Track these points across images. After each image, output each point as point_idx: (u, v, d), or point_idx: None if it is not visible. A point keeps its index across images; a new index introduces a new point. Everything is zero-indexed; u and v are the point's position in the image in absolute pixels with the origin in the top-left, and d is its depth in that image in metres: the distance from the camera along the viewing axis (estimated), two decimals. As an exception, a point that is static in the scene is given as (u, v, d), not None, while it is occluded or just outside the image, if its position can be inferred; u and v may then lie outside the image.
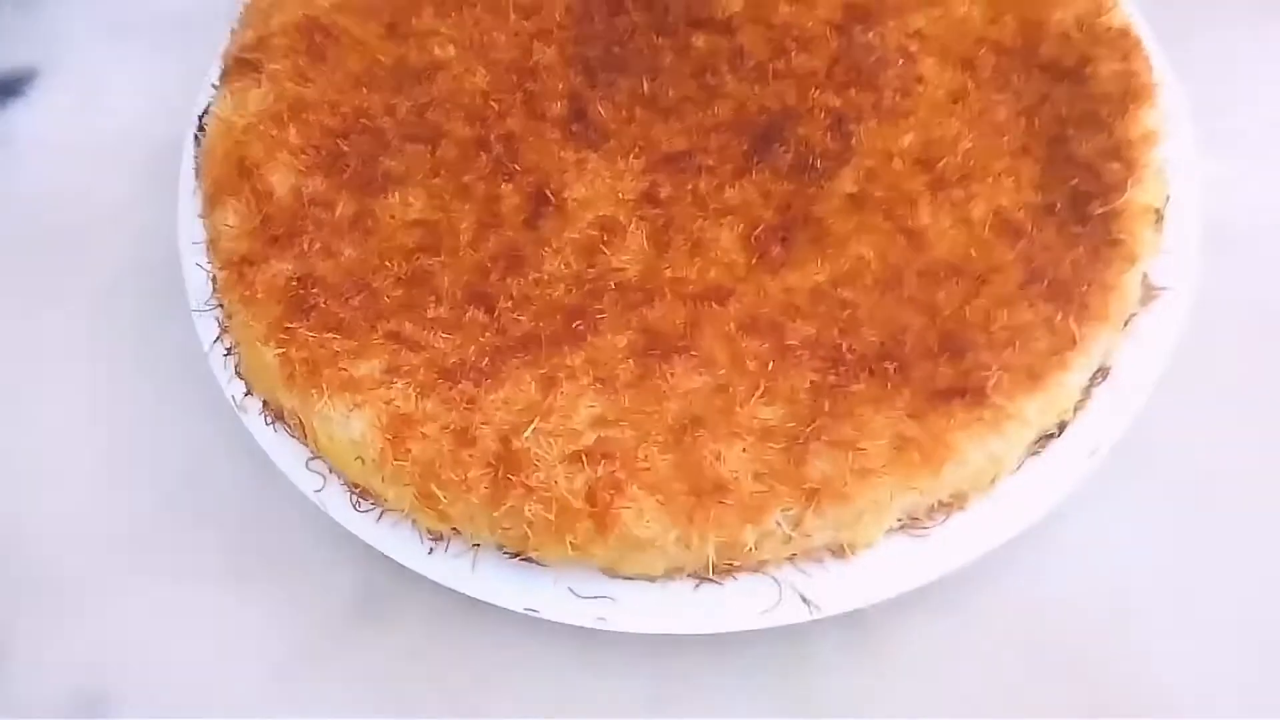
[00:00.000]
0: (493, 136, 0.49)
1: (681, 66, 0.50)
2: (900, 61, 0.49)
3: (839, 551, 0.41)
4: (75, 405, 0.49)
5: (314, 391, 0.41)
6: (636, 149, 0.49)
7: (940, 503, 0.42)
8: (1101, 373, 0.44)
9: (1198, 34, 0.56)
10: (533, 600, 0.40)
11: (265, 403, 0.44)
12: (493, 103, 0.50)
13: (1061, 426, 0.43)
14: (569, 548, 0.39)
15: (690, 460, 0.40)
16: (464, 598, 0.40)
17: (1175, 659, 0.42)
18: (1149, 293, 0.45)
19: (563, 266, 0.46)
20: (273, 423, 0.44)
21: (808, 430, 0.41)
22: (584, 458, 0.40)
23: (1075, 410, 0.44)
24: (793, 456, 0.40)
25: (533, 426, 0.40)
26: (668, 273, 0.45)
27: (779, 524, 0.39)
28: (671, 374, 0.42)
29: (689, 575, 0.41)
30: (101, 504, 0.47)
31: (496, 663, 0.42)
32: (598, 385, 0.42)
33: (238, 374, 0.45)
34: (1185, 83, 0.50)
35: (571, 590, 0.40)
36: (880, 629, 0.41)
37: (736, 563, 0.40)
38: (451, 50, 0.51)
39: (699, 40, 0.51)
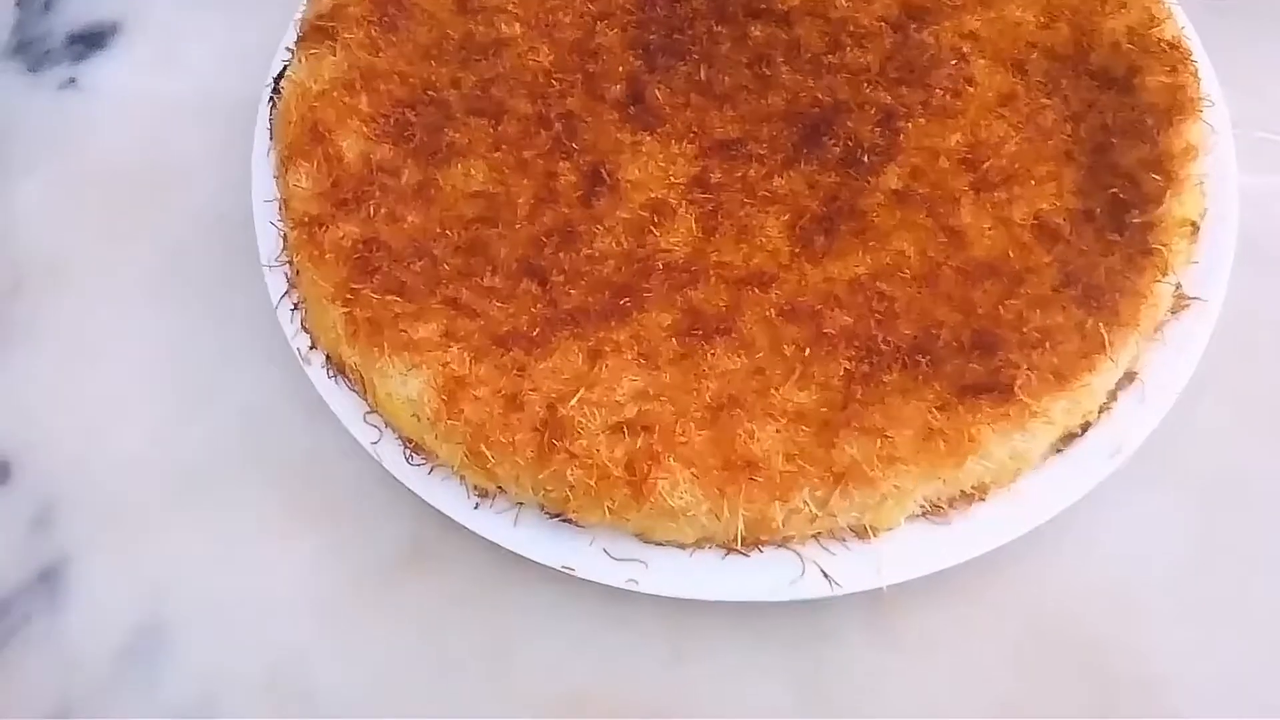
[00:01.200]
0: (553, 114, 0.51)
1: (738, 55, 0.52)
2: (953, 61, 0.51)
3: (862, 533, 0.43)
4: (149, 347, 0.52)
5: (375, 350, 0.44)
6: (690, 134, 0.50)
7: (963, 493, 0.44)
8: (1129, 377, 0.45)
9: (1248, 46, 0.56)
10: (570, 558, 0.43)
11: (328, 357, 0.47)
12: (554, 81, 0.52)
13: (1085, 426, 0.45)
14: (606, 512, 0.42)
15: (725, 437, 0.42)
16: (505, 552, 0.43)
17: (1183, 658, 0.44)
18: (1180, 302, 0.47)
19: (614, 244, 0.48)
20: (334, 376, 0.46)
21: (839, 416, 0.43)
22: (625, 429, 0.42)
23: (1101, 412, 0.45)
24: (822, 440, 0.42)
25: (578, 396, 0.43)
26: (713, 256, 0.47)
27: (806, 503, 0.41)
28: (712, 354, 0.44)
29: (718, 546, 0.44)
30: (168, 442, 0.50)
31: (532, 613, 0.45)
32: (641, 360, 0.44)
33: (303, 328, 0.48)
34: (1232, 96, 0.50)
35: (606, 551, 0.43)
36: (896, 611, 0.43)
37: (764, 537, 0.42)
38: (517, 28, 0.53)
39: (756, 30, 0.53)
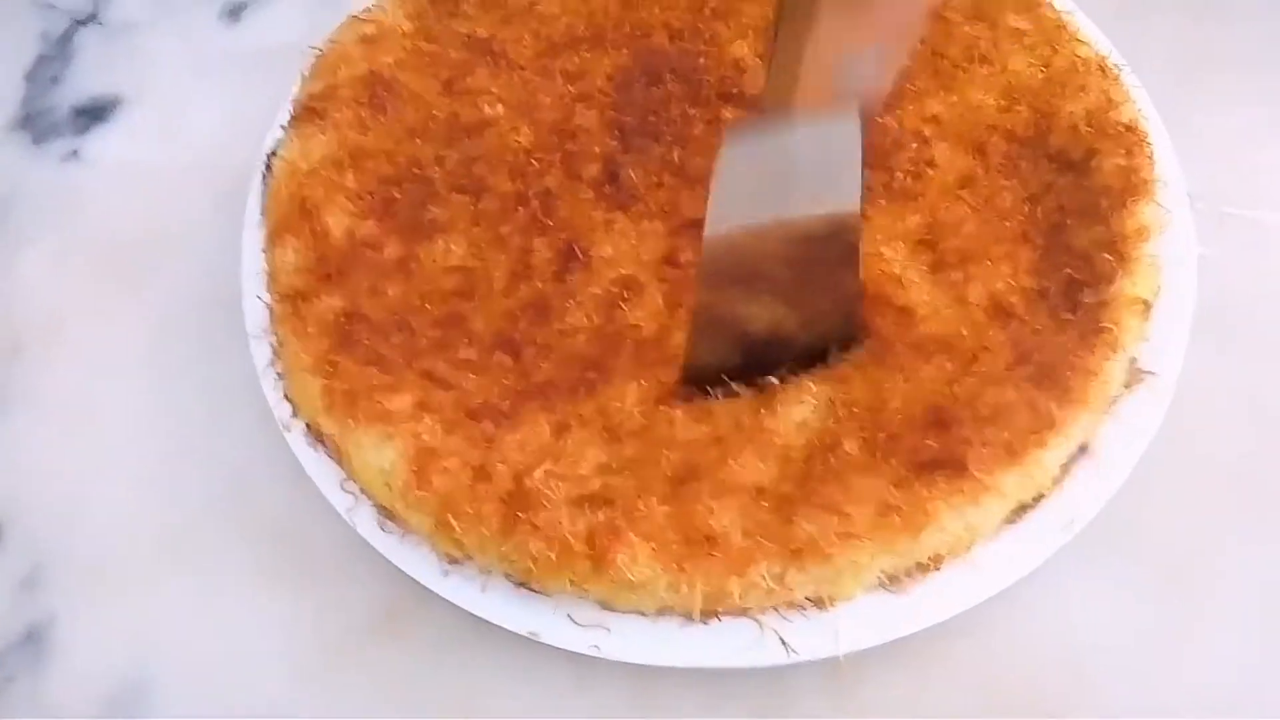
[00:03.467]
0: (531, 192, 0.53)
1: (710, 137, 0.54)
2: (914, 145, 0.53)
3: (820, 603, 0.44)
4: (138, 412, 0.54)
5: (350, 420, 0.45)
6: (662, 213, 0.52)
7: (919, 564, 0.45)
8: (1083, 449, 0.47)
9: (1215, 117, 0.58)
10: (535, 625, 0.44)
11: (308, 425, 0.48)
12: (534, 160, 0.54)
13: (1038, 498, 0.46)
14: (568, 583, 0.43)
15: (685, 512, 0.43)
16: (474, 618, 0.44)
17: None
18: (1136, 376, 0.48)
19: (584, 319, 0.50)
20: (314, 444, 0.48)
21: (798, 491, 0.44)
22: (587, 503, 0.43)
23: (1055, 484, 0.46)
24: (781, 515, 0.43)
25: (543, 468, 0.44)
26: (679, 334, 0.49)
27: (763, 577, 0.42)
28: (672, 422, 0.46)
29: (678, 615, 0.45)
30: (151, 505, 0.51)
31: (500, 677, 0.46)
32: (605, 434, 0.46)
33: (286, 397, 0.49)
34: (1198, 167, 0.52)
35: (570, 618, 0.44)
36: (854, 677, 0.44)
37: (721, 609, 0.43)
38: (500, 109, 0.56)
39: (728, 113, 0.55)
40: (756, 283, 0.44)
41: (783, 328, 0.46)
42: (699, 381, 0.46)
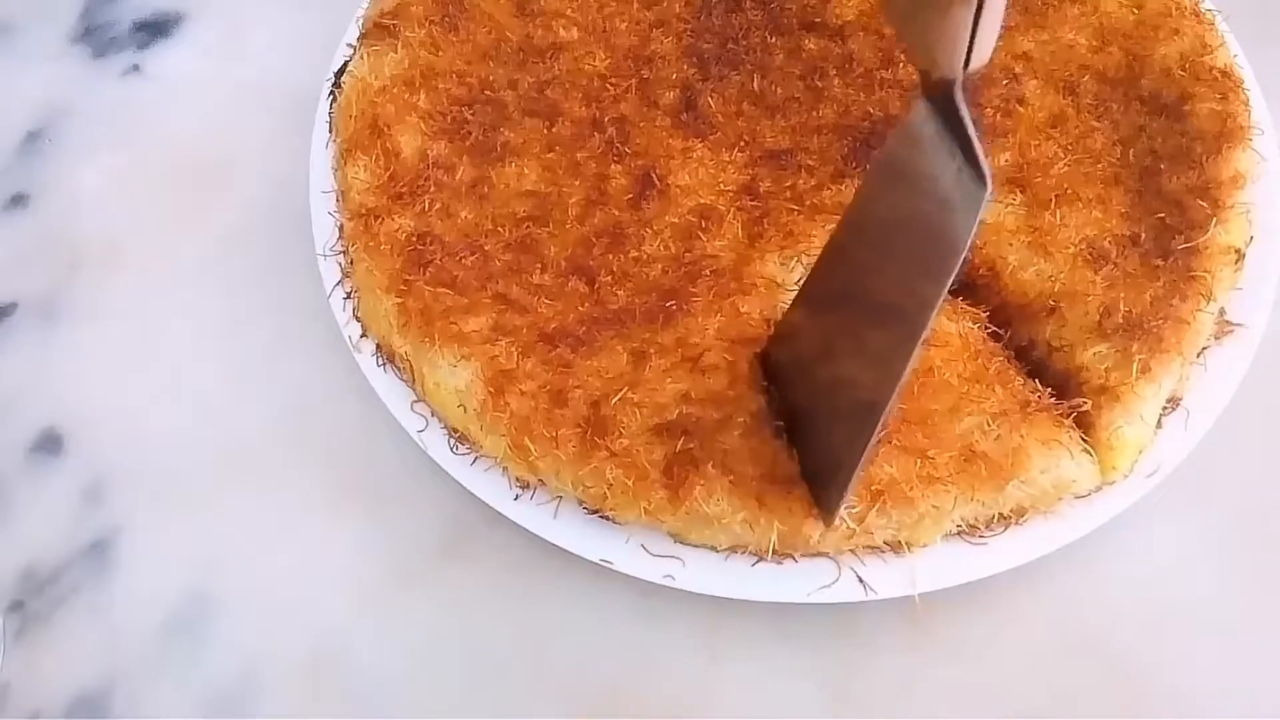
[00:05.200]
0: (606, 118, 0.52)
1: (791, 67, 0.53)
2: (1005, 81, 0.51)
3: (896, 547, 0.43)
4: (202, 329, 0.53)
5: (426, 340, 0.45)
6: (741, 143, 0.51)
7: (1000, 515, 0.44)
8: (1172, 402, 0.46)
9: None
10: (607, 552, 0.43)
11: (379, 345, 0.48)
12: (609, 86, 0.53)
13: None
14: (642, 512, 0.43)
15: (767, 449, 0.42)
16: (544, 544, 0.44)
17: (1209, 673, 0.44)
18: (1224, 328, 0.47)
19: (661, 248, 0.49)
20: (384, 365, 0.47)
21: (880, 434, 0.43)
22: (665, 432, 0.43)
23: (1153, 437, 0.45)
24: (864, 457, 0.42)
25: (620, 395, 0.43)
26: (758, 263, 0.48)
27: (843, 519, 0.42)
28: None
29: (750, 553, 0.44)
30: (219, 422, 0.51)
31: (569, 606, 0.45)
32: (685, 364, 0.45)
33: (355, 317, 0.49)
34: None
35: (644, 547, 0.43)
36: (928, 618, 0.44)
37: (799, 552, 0.43)
38: (575, 33, 0.54)
39: (810, 43, 0.53)
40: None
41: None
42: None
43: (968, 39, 0.33)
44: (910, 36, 0.35)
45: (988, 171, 0.34)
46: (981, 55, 0.33)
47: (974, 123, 0.35)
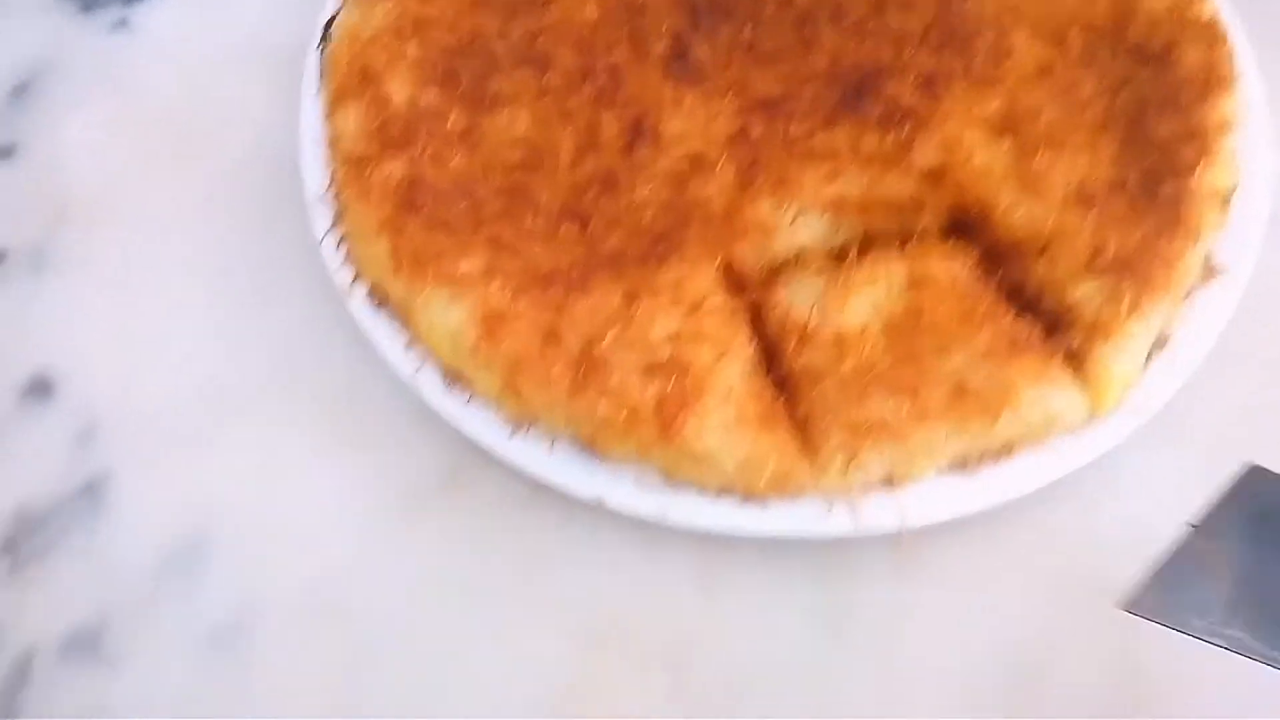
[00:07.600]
0: (598, 67, 0.52)
1: (783, 16, 0.53)
2: (993, 32, 0.52)
3: (888, 481, 0.44)
4: (190, 277, 0.53)
5: (419, 281, 0.45)
6: (732, 91, 0.51)
7: (991, 452, 0.44)
8: (1159, 342, 0.46)
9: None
10: (601, 490, 0.44)
11: (371, 289, 0.48)
12: (600, 35, 0.53)
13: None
14: (634, 450, 0.43)
15: (759, 389, 0.43)
16: (537, 484, 0.44)
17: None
18: (1210, 272, 0.47)
19: (653, 193, 0.49)
20: (376, 309, 0.47)
21: (869, 374, 0.44)
22: (658, 370, 0.43)
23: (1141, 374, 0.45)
24: (855, 395, 0.43)
25: (612, 334, 0.44)
26: (750, 208, 0.48)
27: (836, 457, 0.42)
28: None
29: (739, 493, 0.44)
30: (210, 366, 0.51)
31: (564, 543, 0.46)
32: (680, 305, 0.45)
33: (346, 263, 0.49)
34: (1272, 75, 0.51)
35: (637, 485, 0.44)
36: (920, 552, 0.44)
37: (790, 492, 0.43)
38: (566, -17, 0.54)
39: (802, -6, 0.53)
40: None
41: None
42: None
43: None
44: None
45: None
46: None
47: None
